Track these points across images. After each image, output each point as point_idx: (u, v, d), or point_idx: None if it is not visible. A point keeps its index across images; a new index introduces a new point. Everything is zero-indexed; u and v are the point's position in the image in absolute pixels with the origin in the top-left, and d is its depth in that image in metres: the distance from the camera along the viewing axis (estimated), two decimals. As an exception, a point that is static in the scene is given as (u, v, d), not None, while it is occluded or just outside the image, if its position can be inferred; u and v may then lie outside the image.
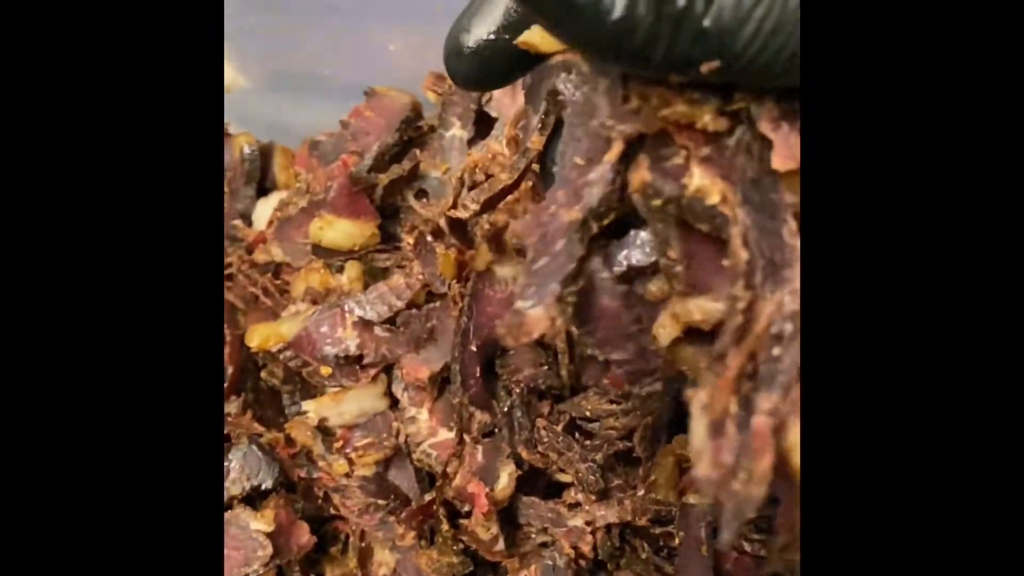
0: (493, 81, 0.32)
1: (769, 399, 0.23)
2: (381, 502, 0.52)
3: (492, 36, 0.30)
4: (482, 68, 0.31)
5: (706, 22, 0.22)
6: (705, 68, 0.23)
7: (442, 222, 0.49)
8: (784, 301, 0.23)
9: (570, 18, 0.23)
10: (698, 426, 0.23)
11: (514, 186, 0.31)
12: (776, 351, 0.23)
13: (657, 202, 0.26)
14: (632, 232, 0.27)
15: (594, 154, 0.26)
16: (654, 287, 0.28)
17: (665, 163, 0.26)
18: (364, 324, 0.53)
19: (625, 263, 0.27)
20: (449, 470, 0.50)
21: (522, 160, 0.30)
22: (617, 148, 0.26)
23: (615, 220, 0.26)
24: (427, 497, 0.51)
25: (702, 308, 0.26)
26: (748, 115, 0.25)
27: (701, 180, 0.25)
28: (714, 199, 0.25)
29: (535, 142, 0.26)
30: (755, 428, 0.22)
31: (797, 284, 0.24)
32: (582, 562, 0.49)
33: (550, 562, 0.49)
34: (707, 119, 0.25)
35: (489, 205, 0.33)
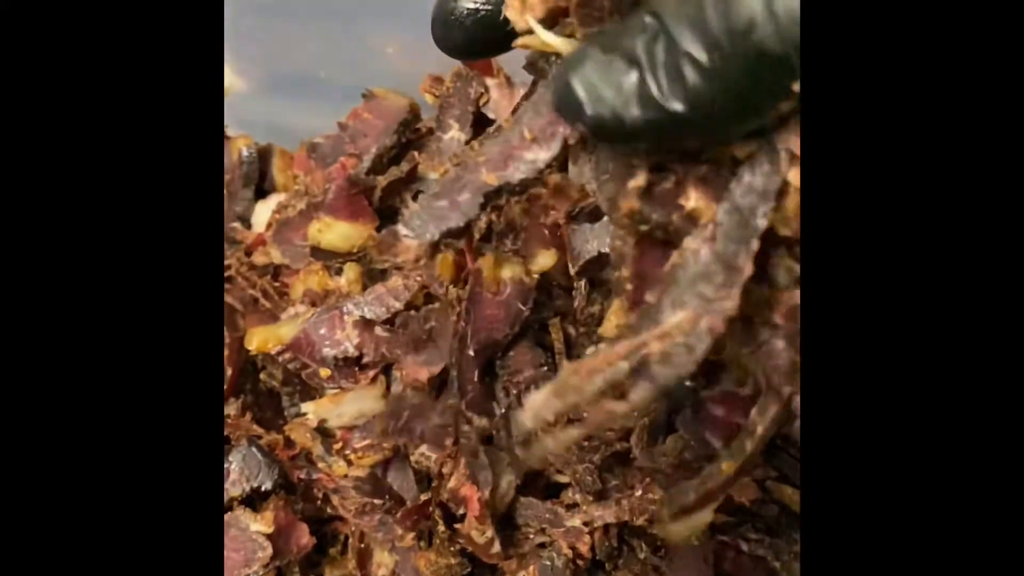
0: (474, 51, 0.32)
1: (637, 393, 0.24)
2: (378, 503, 0.51)
3: (475, 7, 0.30)
4: (465, 37, 0.31)
5: (773, 47, 0.21)
6: (797, 87, 0.22)
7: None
8: (699, 326, 0.23)
9: (635, 136, 0.23)
10: (539, 393, 0.25)
11: None
12: (656, 368, 0.24)
13: (644, 227, 0.25)
14: (606, 218, 0.27)
15: (545, 137, 0.25)
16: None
17: (654, 188, 0.25)
18: (363, 325, 0.53)
19: (596, 249, 0.27)
20: (444, 471, 0.50)
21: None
22: (641, 178, 0.25)
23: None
24: (423, 498, 0.51)
25: None
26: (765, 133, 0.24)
27: (697, 202, 0.24)
28: (706, 220, 0.24)
29: (507, 122, 0.26)
30: (600, 408, 0.24)
31: (727, 305, 0.24)
32: (580, 562, 0.49)
33: (548, 562, 0.48)
34: (735, 150, 0.24)
35: None
